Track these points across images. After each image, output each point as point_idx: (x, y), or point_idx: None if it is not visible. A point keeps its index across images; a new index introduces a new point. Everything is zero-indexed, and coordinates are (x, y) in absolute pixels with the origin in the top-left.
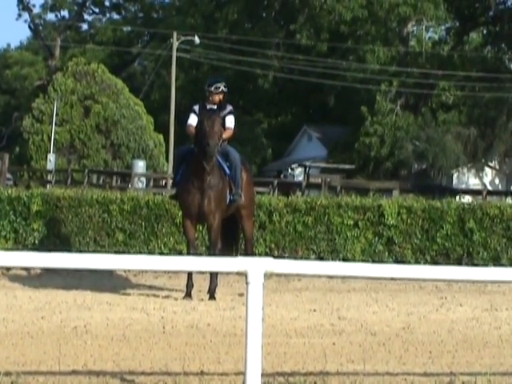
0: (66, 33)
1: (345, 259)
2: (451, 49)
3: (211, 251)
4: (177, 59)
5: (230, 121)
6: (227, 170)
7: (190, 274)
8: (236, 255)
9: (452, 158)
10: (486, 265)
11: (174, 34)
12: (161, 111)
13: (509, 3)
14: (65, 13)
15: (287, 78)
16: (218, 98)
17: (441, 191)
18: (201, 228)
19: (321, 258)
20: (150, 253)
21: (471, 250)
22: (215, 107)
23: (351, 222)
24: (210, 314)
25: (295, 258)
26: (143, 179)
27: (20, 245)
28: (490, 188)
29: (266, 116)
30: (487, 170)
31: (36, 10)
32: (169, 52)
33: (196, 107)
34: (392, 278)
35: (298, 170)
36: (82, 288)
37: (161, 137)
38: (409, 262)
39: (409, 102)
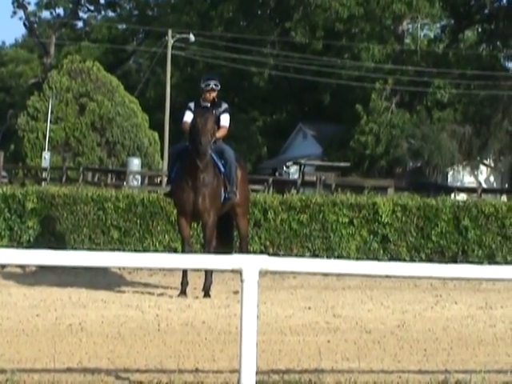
0: (61, 30)
1: (340, 257)
2: (446, 47)
3: (206, 249)
4: (172, 57)
5: (225, 119)
6: (222, 168)
7: (184, 272)
8: (231, 253)
9: (447, 156)
10: (480, 263)
11: (169, 32)
12: (156, 109)
13: (504, 1)
14: (60, 10)
15: (282, 75)
16: (211, 95)
17: (436, 189)
18: (196, 226)
19: (316, 256)
20: (145, 250)
21: (466, 247)
22: (209, 105)
23: (346, 220)
24: (204, 311)
25: (290, 255)
26: (138, 177)
27: (15, 242)
28: (484, 186)
29: (261, 114)
30: (482, 167)
31: (31, 8)
32: (164, 50)
33: (191, 104)
34: (387, 276)
35: (293, 168)
36: (77, 285)
37: (156, 134)
38: (404, 260)
39: (404, 100)
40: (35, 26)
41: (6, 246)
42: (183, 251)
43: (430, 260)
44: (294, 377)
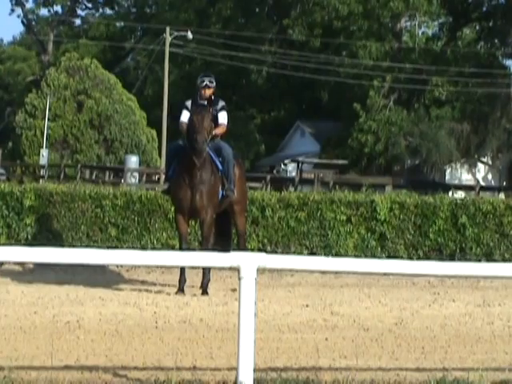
0: (59, 28)
1: (337, 255)
2: (444, 44)
3: (204, 246)
4: (170, 54)
5: (223, 117)
6: (220, 166)
7: (182, 269)
8: (229, 251)
9: (445, 154)
10: (478, 260)
11: (167, 30)
12: (154, 106)
13: None
14: (58, 8)
15: (280, 73)
16: (207, 92)
17: (434, 187)
18: (193, 223)
19: (313, 254)
20: (143, 248)
21: (464, 245)
22: (206, 102)
23: (344, 218)
24: (202, 309)
25: (288, 253)
26: (136, 174)
27: (13, 240)
28: (482, 183)
29: (259, 111)
30: (480, 165)
31: (29, 5)
32: (162, 47)
33: (188, 103)
34: (385, 274)
35: (291, 166)
36: (75, 283)
37: (154, 132)
38: (401, 258)
39: (402, 98)
40: (33, 23)
41: (4, 244)
42: (181, 249)
43: (427, 258)
44: (292, 374)
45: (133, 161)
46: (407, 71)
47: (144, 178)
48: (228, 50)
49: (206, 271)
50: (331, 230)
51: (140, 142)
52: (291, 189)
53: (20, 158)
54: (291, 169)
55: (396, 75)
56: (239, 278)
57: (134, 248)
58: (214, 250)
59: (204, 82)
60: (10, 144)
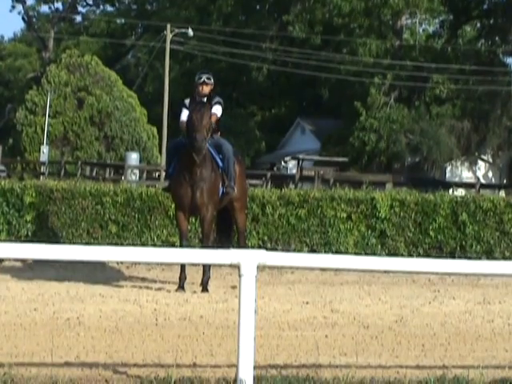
0: (60, 25)
1: (338, 252)
2: (445, 42)
3: (204, 243)
4: (170, 51)
5: (216, 108)
6: (220, 163)
7: (182, 267)
8: (229, 247)
9: (445, 152)
10: (478, 258)
11: (168, 27)
12: (154, 103)
13: None
14: (58, 5)
15: (281, 70)
16: (204, 89)
17: (434, 184)
18: (194, 220)
19: (314, 251)
20: (143, 245)
21: (464, 243)
22: (205, 99)
23: (344, 215)
24: (202, 306)
25: (288, 250)
26: (136, 171)
27: (13, 236)
28: (483, 181)
29: (259, 109)
30: (480, 163)
31: (30, 2)
32: (162, 44)
33: (187, 101)
34: (385, 271)
35: (292, 163)
36: (75, 280)
37: (154, 129)
38: (401, 255)
39: (402, 95)
40: (34, 20)
41: (4, 240)
42: (181, 246)
43: (427, 255)
44: (292, 372)
45: (133, 158)
46: (408, 69)
47: (144, 175)
48: (229, 47)
49: (207, 268)
50: (331, 228)
51: (140, 138)
52: (291, 186)
53: (20, 154)
54: (291, 166)
55: (396, 73)
56: (239, 275)
57: (134, 245)
58: (214, 247)
59: (202, 78)
60: (11, 141)
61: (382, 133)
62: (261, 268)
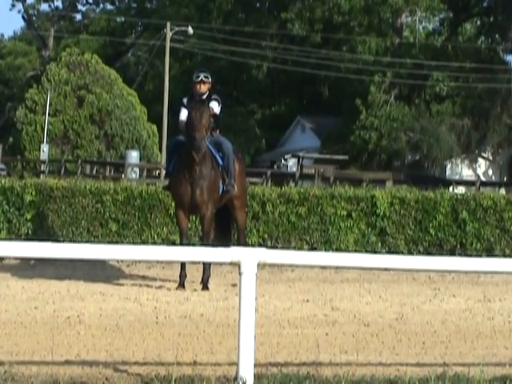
0: (60, 23)
1: (338, 250)
2: (445, 39)
3: (204, 241)
4: (170, 50)
5: (212, 104)
6: (220, 161)
7: (183, 265)
8: (229, 246)
9: (446, 149)
10: (479, 255)
11: (168, 25)
12: (154, 102)
13: None
14: (58, 3)
15: (281, 68)
16: (202, 87)
17: (434, 182)
18: (194, 218)
19: (314, 249)
20: (144, 243)
21: (464, 240)
22: (204, 98)
23: (344, 213)
24: (203, 304)
25: (288, 248)
26: (137, 169)
27: (13, 235)
28: (483, 179)
29: (259, 106)
30: (481, 160)
31: (30, 1)
32: (162, 42)
33: (185, 100)
34: (385, 269)
35: (292, 161)
36: (75, 278)
37: (154, 127)
38: (402, 253)
39: (402, 93)
40: (34, 18)
41: (5, 239)
42: (181, 244)
43: (428, 253)
44: (292, 369)
45: (133, 156)
46: (408, 67)
47: (145, 173)
48: (228, 45)
49: (207, 266)
50: (332, 225)
51: (140, 137)
52: (292, 184)
53: (20, 153)
54: (292, 164)
55: (396, 71)
56: (240, 273)
57: (134, 243)
58: (214, 245)
59: (199, 77)
60: (11, 139)
61: (383, 131)
62: (261, 266)
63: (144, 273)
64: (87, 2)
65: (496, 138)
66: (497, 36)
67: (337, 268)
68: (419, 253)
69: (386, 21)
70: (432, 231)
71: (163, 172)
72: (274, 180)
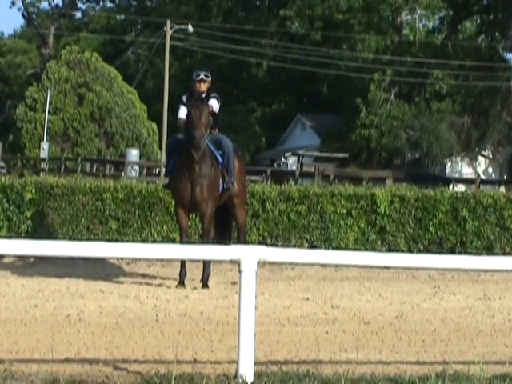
0: (60, 21)
1: (338, 248)
2: (445, 38)
3: (204, 239)
4: (170, 48)
5: (211, 101)
6: (220, 159)
7: (183, 263)
8: (229, 244)
9: (446, 147)
10: (479, 254)
11: (168, 23)
12: (154, 100)
13: None
14: (58, 1)
15: (281, 66)
16: (204, 86)
17: (434, 180)
18: (194, 216)
19: (314, 247)
20: (143, 241)
21: (464, 238)
22: (203, 96)
23: (344, 211)
24: (203, 302)
25: (288, 246)
26: (137, 167)
27: (13, 233)
28: (483, 177)
29: (259, 105)
30: (481, 159)
31: None
32: (162, 40)
33: (184, 98)
34: (385, 267)
35: (292, 159)
36: (75, 276)
37: (154, 125)
38: (402, 251)
39: (402, 91)
40: (34, 16)
41: (5, 237)
42: (181, 242)
43: (428, 251)
44: (292, 367)
45: (133, 154)
46: (408, 65)
47: (144, 171)
48: (228, 43)
49: (207, 264)
50: (331, 224)
51: (140, 135)
52: (292, 182)
53: (20, 151)
54: (292, 162)
55: (396, 69)
56: (239, 271)
57: (134, 241)
58: (214, 243)
59: (200, 75)
60: (11, 137)
61: (383, 129)
62: (261, 264)
63: (144, 271)
64: (87, 0)
65: (496, 136)
66: (497, 34)
67: (337, 266)
68: (419, 251)
69: (386, 19)
70: (432, 229)
71: (163, 170)
72: (273, 178)
